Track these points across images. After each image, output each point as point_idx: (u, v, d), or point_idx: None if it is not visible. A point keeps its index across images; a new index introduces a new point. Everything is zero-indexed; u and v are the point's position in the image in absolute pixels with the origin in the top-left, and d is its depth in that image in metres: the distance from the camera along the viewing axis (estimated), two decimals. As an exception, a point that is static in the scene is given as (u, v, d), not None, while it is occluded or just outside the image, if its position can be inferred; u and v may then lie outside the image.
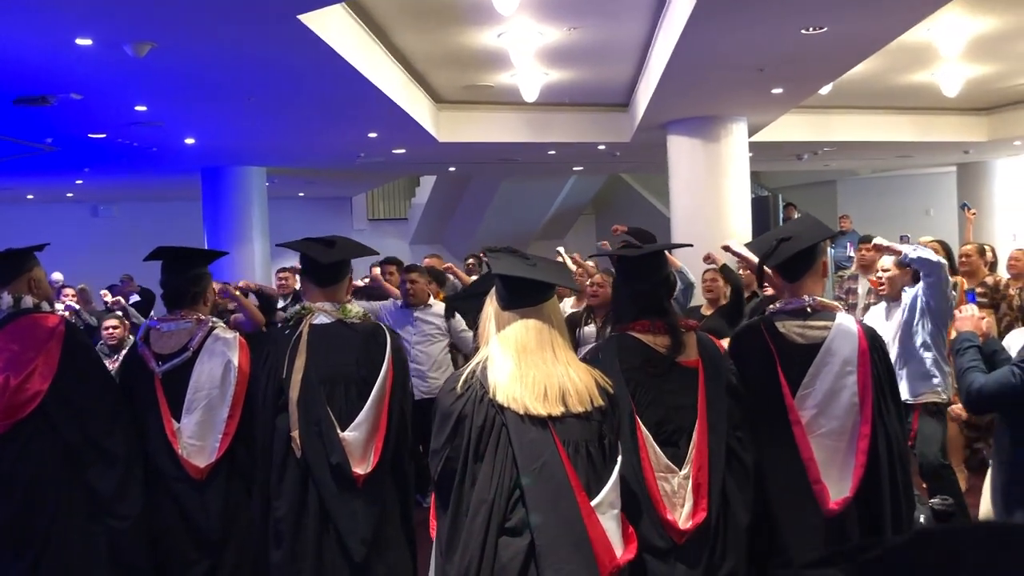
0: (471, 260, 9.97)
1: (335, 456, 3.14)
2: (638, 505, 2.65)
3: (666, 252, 3.12)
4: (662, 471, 2.68)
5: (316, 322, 3.30)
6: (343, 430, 3.17)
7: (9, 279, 3.44)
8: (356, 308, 3.39)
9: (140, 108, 7.71)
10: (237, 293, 4.79)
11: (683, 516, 2.67)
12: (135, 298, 9.19)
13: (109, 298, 7.25)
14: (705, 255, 6.01)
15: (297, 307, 3.45)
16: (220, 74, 6.60)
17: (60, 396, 3.29)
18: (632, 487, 2.65)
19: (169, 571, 3.41)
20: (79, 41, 5.38)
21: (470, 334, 5.91)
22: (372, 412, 3.20)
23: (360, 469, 3.16)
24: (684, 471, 2.70)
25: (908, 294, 4.74)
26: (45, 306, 3.53)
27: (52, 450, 3.29)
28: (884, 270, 4.80)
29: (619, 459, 2.50)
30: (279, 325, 3.65)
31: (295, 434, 3.17)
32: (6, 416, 3.22)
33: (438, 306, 6.06)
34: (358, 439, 3.17)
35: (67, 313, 6.23)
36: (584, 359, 2.73)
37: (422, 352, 5.95)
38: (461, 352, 6.28)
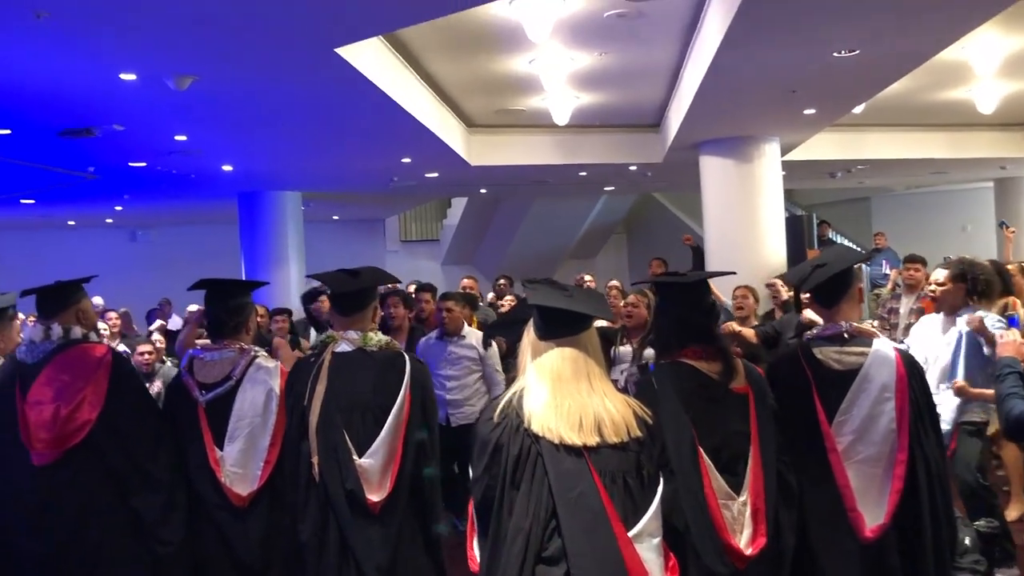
0: (502, 281, 10.01)
1: (349, 482, 3.18)
2: (695, 535, 2.66)
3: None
4: (723, 498, 2.70)
5: (338, 350, 3.36)
6: (360, 457, 3.21)
7: (59, 310, 3.52)
8: (377, 336, 3.41)
9: (180, 137, 7.88)
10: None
11: (744, 542, 2.69)
12: (177, 323, 9.35)
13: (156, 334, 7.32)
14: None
15: (323, 335, 3.52)
16: (258, 104, 6.74)
17: (108, 424, 3.35)
18: (692, 515, 2.67)
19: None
20: (123, 76, 5.53)
21: (501, 377, 5.89)
22: (388, 439, 3.23)
23: (375, 496, 3.19)
24: (742, 497, 2.72)
25: (962, 325, 4.45)
26: (93, 336, 3.62)
27: (100, 477, 3.34)
28: (938, 284, 4.56)
29: (659, 489, 2.50)
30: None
31: (314, 460, 3.23)
32: (57, 445, 3.29)
33: (472, 335, 6.06)
34: (374, 466, 3.21)
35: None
36: (629, 385, 2.76)
37: (457, 384, 5.94)
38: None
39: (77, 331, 3.51)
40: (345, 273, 3.49)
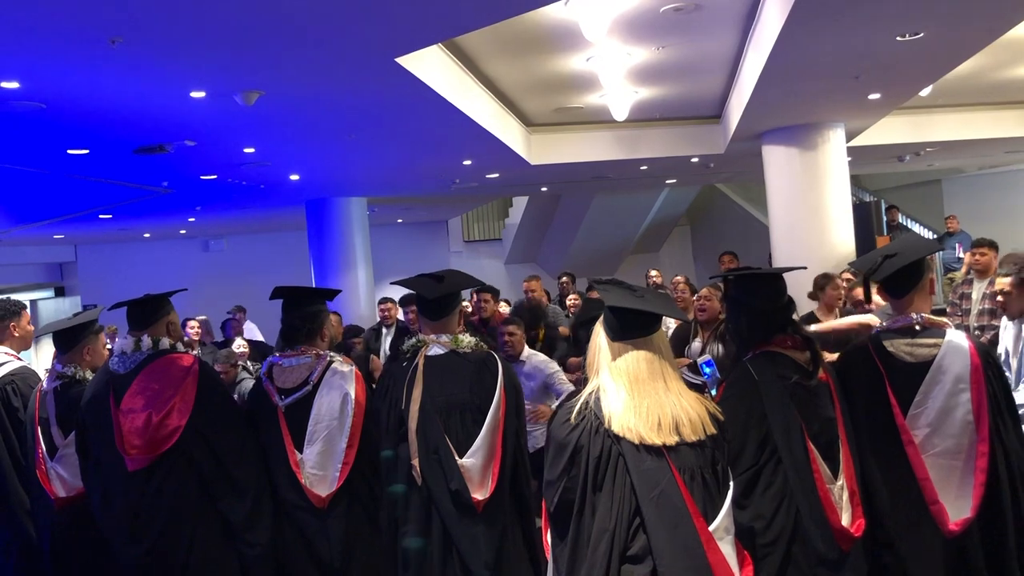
0: (564, 278, 10.04)
1: (454, 483, 3.25)
2: (807, 520, 2.70)
3: None
4: (828, 482, 2.74)
5: (431, 353, 3.44)
6: (461, 457, 3.28)
7: (149, 323, 3.68)
8: (468, 338, 3.49)
9: (248, 150, 8.09)
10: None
11: (847, 523, 2.73)
12: (252, 330, 9.57)
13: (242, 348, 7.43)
14: None
15: (413, 340, 3.58)
16: (322, 115, 6.88)
17: (196, 431, 3.48)
18: (805, 502, 2.71)
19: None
20: (193, 94, 5.72)
21: (566, 385, 5.81)
22: (488, 438, 3.30)
23: (479, 495, 3.26)
24: (840, 481, 2.76)
25: None
26: (180, 347, 3.77)
27: (189, 482, 3.47)
28: (1003, 292, 4.43)
29: (731, 485, 2.54)
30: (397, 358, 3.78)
31: (415, 462, 3.30)
32: (149, 451, 3.44)
33: (534, 359, 5.94)
34: (476, 465, 3.28)
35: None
36: (732, 377, 2.81)
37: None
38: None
39: (166, 342, 3.67)
40: (429, 278, 3.56)
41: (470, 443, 3.31)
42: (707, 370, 3.64)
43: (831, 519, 2.69)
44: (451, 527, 3.27)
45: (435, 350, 3.45)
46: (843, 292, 6.41)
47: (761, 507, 2.72)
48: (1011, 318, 4.47)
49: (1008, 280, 4.34)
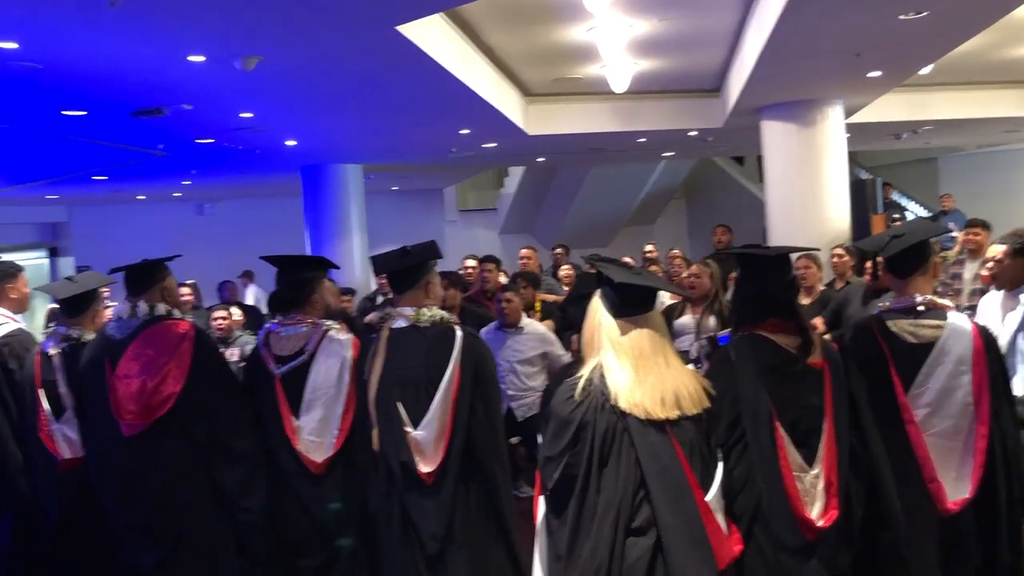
0: (559, 250, 10.04)
1: (403, 454, 3.28)
2: (767, 505, 2.71)
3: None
4: (797, 470, 2.74)
5: (395, 326, 3.45)
6: (414, 429, 3.30)
7: (145, 288, 3.68)
8: (430, 312, 3.46)
9: (245, 115, 8.03)
10: None
11: (816, 513, 2.73)
12: (255, 293, 9.54)
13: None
14: None
15: (382, 312, 3.61)
16: (321, 81, 6.83)
17: (191, 397, 3.50)
18: (766, 486, 2.71)
19: (291, 561, 3.58)
20: (192, 58, 5.66)
21: (563, 356, 5.84)
22: (438, 412, 3.30)
23: (427, 467, 3.27)
24: (815, 470, 2.75)
25: None
26: (176, 313, 3.78)
27: (184, 448, 3.50)
28: (995, 260, 4.38)
29: (720, 458, 2.59)
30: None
31: (374, 432, 3.35)
32: (143, 417, 3.46)
33: (531, 326, 6.02)
34: (427, 438, 3.29)
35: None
36: (701, 356, 2.82)
37: (515, 380, 5.94)
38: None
39: (162, 308, 3.68)
40: (398, 252, 3.58)
41: (424, 416, 3.32)
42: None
43: (794, 507, 2.69)
44: (403, 497, 3.30)
45: (399, 323, 3.46)
46: (843, 264, 6.56)
47: (726, 485, 2.71)
48: (999, 288, 4.43)
49: (1003, 248, 4.29)
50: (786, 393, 2.79)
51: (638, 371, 2.51)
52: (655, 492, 2.43)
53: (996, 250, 4.38)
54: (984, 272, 4.53)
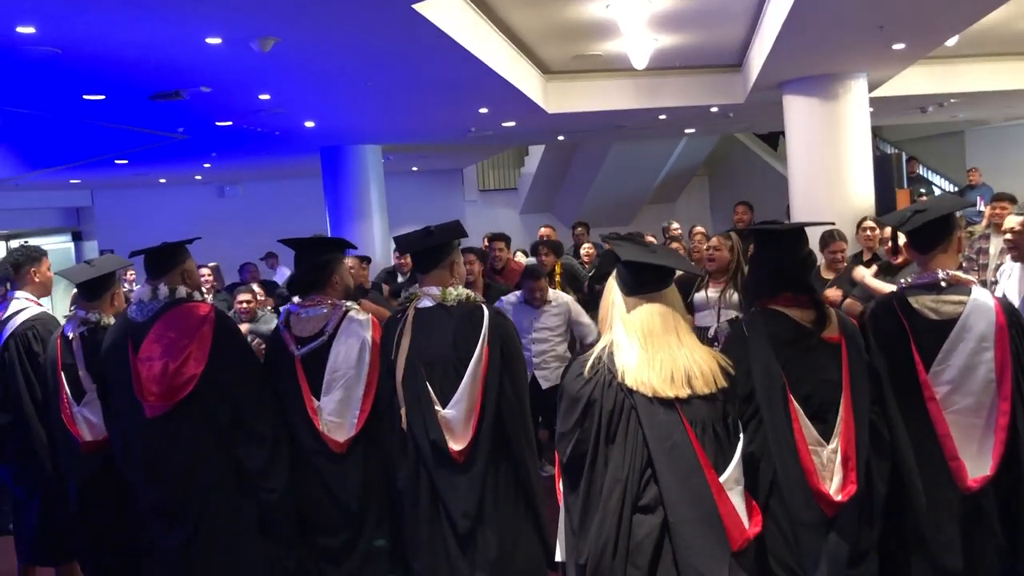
0: (579, 228, 10.03)
1: (432, 432, 3.30)
2: (783, 480, 2.69)
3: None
4: (813, 444, 2.72)
5: (420, 306, 3.46)
6: (444, 408, 3.32)
7: (165, 271, 3.70)
8: (457, 291, 3.47)
9: (264, 97, 8.05)
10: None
11: (834, 488, 2.71)
12: (284, 275, 9.59)
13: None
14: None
15: (408, 292, 3.63)
16: (339, 62, 6.83)
17: (212, 379, 3.51)
18: (781, 461, 2.70)
19: (314, 540, 3.60)
20: (209, 40, 5.67)
21: (591, 326, 5.92)
22: (467, 390, 3.31)
23: (457, 445, 3.29)
24: (832, 444, 2.73)
25: None
26: (196, 295, 3.80)
27: (207, 429, 3.52)
28: (1012, 231, 4.32)
29: (742, 436, 2.56)
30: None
31: (402, 411, 3.36)
32: (165, 398, 3.48)
33: (558, 301, 6.09)
34: (456, 417, 3.30)
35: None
36: (720, 334, 2.78)
37: (542, 351, 6.01)
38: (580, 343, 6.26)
39: (182, 290, 3.69)
40: (422, 232, 3.58)
41: (453, 395, 3.33)
42: None
43: (810, 481, 2.67)
44: (433, 475, 3.32)
45: (425, 303, 3.47)
46: (875, 238, 6.55)
47: (746, 462, 2.69)
48: (1016, 259, 4.37)
49: (1020, 219, 4.24)
50: (800, 367, 2.77)
51: (647, 349, 2.49)
52: (661, 470, 2.42)
53: (1013, 221, 4.33)
54: (1007, 236, 4.46)
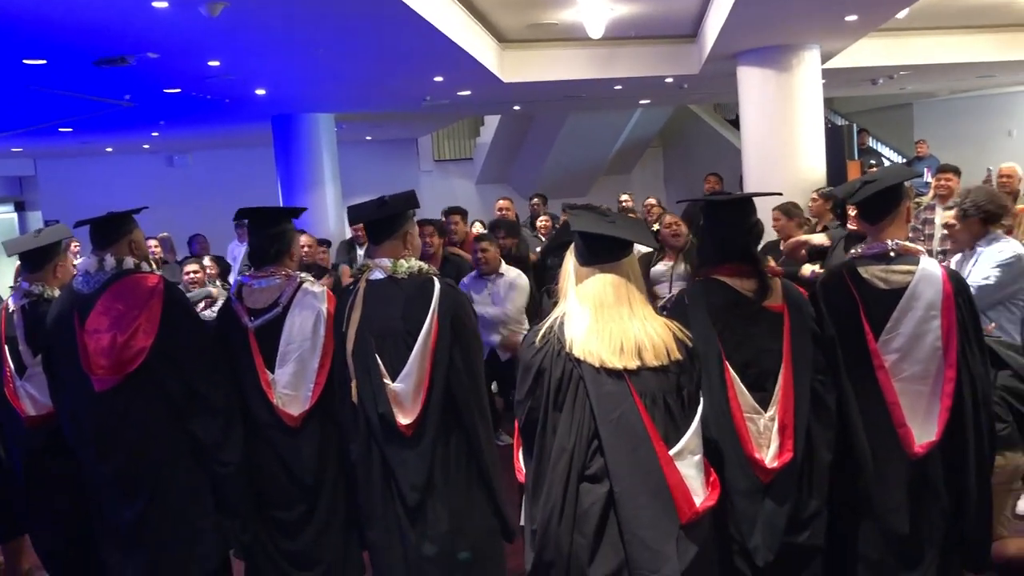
0: (536, 200, 10.01)
1: (381, 406, 3.27)
2: (722, 448, 2.73)
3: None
4: (749, 412, 2.76)
5: (372, 278, 3.42)
6: (393, 381, 3.29)
7: (112, 242, 3.60)
8: (408, 263, 3.43)
9: (213, 63, 7.86)
10: None
11: (770, 456, 2.74)
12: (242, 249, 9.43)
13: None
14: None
15: (360, 264, 3.59)
16: (289, 28, 6.69)
17: (163, 351, 3.45)
18: (717, 429, 2.72)
19: (269, 513, 3.58)
20: (156, 4, 5.51)
21: (509, 310, 5.92)
22: (416, 364, 3.29)
23: (406, 419, 3.27)
24: (770, 412, 2.77)
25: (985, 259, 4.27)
26: (145, 266, 3.71)
27: (158, 402, 3.46)
28: (948, 226, 4.41)
29: (699, 408, 2.56)
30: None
31: (352, 384, 3.34)
32: (115, 371, 3.41)
33: (510, 273, 6.05)
34: (405, 390, 3.28)
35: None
36: (669, 303, 2.79)
37: (498, 314, 5.99)
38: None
39: (130, 261, 3.60)
40: (376, 202, 3.52)
41: (403, 368, 3.31)
42: None
43: (744, 449, 2.71)
44: (384, 449, 3.30)
45: (376, 274, 3.43)
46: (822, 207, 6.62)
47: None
48: (956, 251, 4.49)
49: (951, 213, 4.36)
50: (738, 335, 2.81)
51: (598, 320, 2.48)
52: (608, 441, 2.42)
53: (947, 216, 4.45)
54: (945, 237, 4.64)
